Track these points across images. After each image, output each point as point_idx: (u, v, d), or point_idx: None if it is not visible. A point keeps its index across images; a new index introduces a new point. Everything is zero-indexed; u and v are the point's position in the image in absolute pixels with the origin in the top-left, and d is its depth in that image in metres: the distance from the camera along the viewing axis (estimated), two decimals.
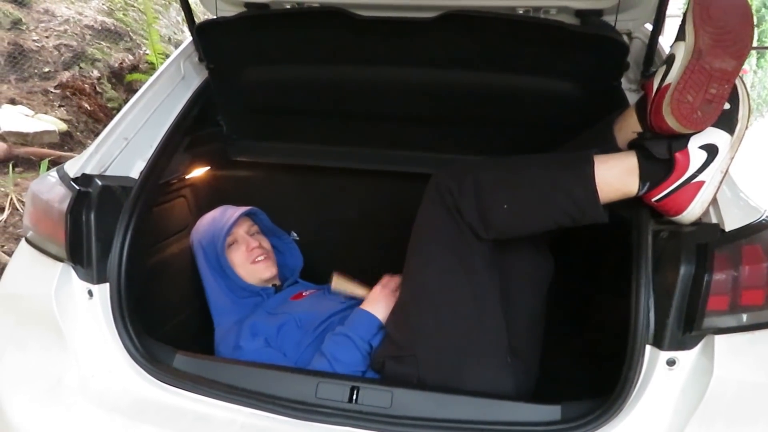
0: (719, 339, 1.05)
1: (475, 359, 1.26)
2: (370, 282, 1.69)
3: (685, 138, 1.14)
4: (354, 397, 1.19)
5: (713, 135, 1.13)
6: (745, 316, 1.06)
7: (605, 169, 1.18)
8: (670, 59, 1.17)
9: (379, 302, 1.48)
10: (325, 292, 1.75)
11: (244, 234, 1.75)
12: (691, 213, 1.14)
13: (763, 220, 1.11)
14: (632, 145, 1.23)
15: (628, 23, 1.50)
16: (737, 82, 1.12)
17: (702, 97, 1.09)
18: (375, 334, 1.42)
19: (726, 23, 1.10)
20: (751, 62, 16.06)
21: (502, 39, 1.43)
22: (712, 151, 1.13)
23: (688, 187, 1.14)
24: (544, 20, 1.48)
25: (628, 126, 1.27)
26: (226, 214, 1.74)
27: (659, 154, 1.15)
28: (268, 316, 1.60)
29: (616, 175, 1.18)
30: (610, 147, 1.28)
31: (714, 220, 1.12)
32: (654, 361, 1.07)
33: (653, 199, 1.17)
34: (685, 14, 1.15)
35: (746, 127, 1.14)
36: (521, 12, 1.51)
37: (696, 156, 1.13)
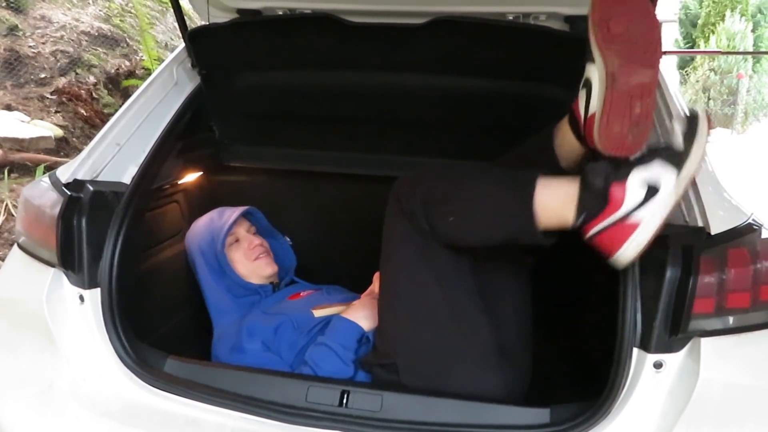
0: (705, 341, 1.06)
1: (458, 364, 1.25)
2: (363, 286, 1.69)
3: (627, 167, 1.06)
4: (344, 400, 1.19)
5: (658, 170, 1.04)
6: (731, 319, 1.06)
7: (547, 194, 1.11)
8: (587, 84, 1.13)
9: (359, 309, 1.49)
10: (323, 292, 1.76)
11: (244, 233, 1.76)
12: (623, 256, 1.06)
13: (749, 223, 1.11)
14: (580, 167, 1.15)
15: None
16: (701, 115, 1.05)
17: (629, 122, 1.05)
18: (357, 340, 1.42)
19: (630, 35, 1.05)
20: (747, 67, 16.14)
21: (491, 45, 1.44)
22: (653, 188, 1.04)
23: (621, 227, 1.05)
24: (533, 26, 1.49)
25: (567, 143, 1.25)
26: (224, 214, 1.74)
27: (596, 183, 1.07)
28: (264, 316, 1.60)
29: (556, 201, 1.11)
30: (550, 160, 1.27)
31: (700, 224, 1.12)
32: (641, 363, 1.07)
33: (587, 235, 1.09)
34: (588, 33, 1.11)
35: (698, 166, 1.04)
36: (511, 18, 1.53)
37: (633, 192, 1.04)
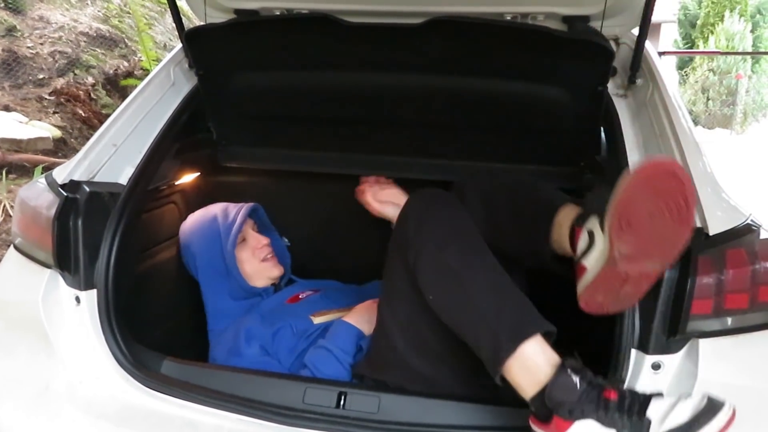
0: (704, 342, 1.05)
1: (448, 389, 1.24)
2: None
3: (584, 409, 0.94)
4: (341, 402, 1.18)
5: None
6: (729, 320, 1.06)
7: (527, 358, 1.02)
8: (591, 236, 1.06)
9: (361, 313, 1.48)
10: (321, 294, 1.74)
11: (251, 231, 1.73)
12: None
13: (748, 223, 1.10)
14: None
15: (615, 29, 1.51)
16: (718, 419, 0.88)
17: (613, 297, 1.02)
18: (357, 344, 1.42)
19: (653, 230, 0.93)
20: (746, 68, 16.16)
21: (489, 45, 1.43)
22: None
23: None
24: (531, 26, 1.49)
25: (560, 243, 1.19)
26: (229, 211, 1.70)
27: (552, 398, 0.97)
28: (262, 321, 1.58)
29: (528, 371, 1.03)
30: (543, 246, 1.22)
31: (698, 224, 1.11)
32: (639, 365, 1.07)
33: (529, 421, 1.04)
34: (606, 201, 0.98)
35: None
36: (509, 18, 1.52)
37: None
